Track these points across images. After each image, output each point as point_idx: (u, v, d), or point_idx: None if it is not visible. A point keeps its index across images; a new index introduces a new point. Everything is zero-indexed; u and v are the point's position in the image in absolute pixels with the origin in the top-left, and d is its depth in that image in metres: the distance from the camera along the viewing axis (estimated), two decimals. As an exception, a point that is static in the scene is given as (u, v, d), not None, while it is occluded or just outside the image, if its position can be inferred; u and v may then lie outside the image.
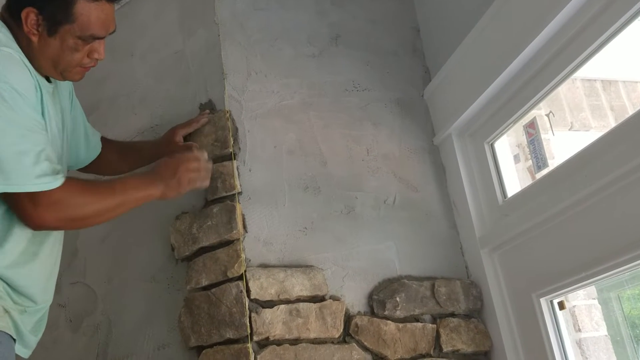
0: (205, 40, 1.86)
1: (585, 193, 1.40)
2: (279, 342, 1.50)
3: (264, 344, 1.49)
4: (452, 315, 1.70)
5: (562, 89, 2.15)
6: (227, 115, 1.71)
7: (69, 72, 1.31)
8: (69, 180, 1.20)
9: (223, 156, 1.68)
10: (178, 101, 1.87)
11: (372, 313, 1.63)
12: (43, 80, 1.27)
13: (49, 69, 1.28)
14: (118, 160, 1.67)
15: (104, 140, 1.65)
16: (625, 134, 1.32)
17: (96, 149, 1.61)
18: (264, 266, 1.58)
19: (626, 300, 1.90)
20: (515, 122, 1.71)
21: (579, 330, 1.76)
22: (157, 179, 1.38)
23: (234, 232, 1.57)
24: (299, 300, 1.56)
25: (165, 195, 1.39)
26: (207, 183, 1.50)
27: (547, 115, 1.78)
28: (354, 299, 1.64)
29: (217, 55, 1.80)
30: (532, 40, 1.51)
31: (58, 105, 1.36)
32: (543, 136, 1.73)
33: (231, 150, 1.67)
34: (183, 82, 1.88)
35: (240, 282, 1.52)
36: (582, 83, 2.20)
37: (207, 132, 1.73)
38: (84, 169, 1.63)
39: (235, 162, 1.66)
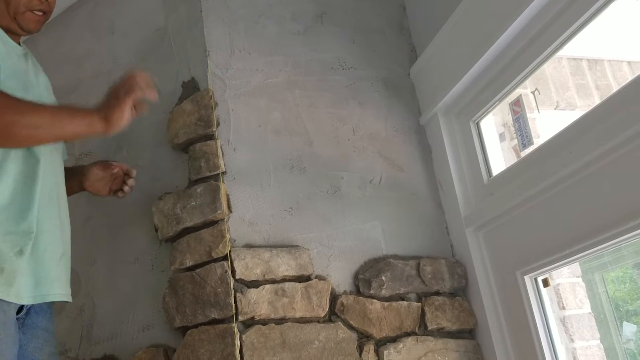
0: (187, 17, 1.82)
1: (569, 170, 1.40)
2: (264, 322, 1.50)
3: (249, 323, 1.49)
4: (437, 293, 1.70)
5: (548, 68, 2.15)
6: (210, 93, 1.69)
7: (21, 18, 1.30)
8: None
9: (206, 135, 1.66)
10: (160, 79, 1.83)
11: (358, 292, 1.63)
12: (8, 39, 1.30)
13: (4, 17, 1.28)
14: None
15: None
16: (609, 111, 1.32)
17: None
18: (249, 246, 1.56)
19: (610, 282, 1.92)
20: (500, 100, 1.71)
21: (563, 307, 1.77)
22: (98, 108, 1.26)
23: (219, 212, 1.55)
24: (284, 280, 1.55)
25: (109, 118, 1.23)
26: (151, 94, 1.31)
27: (533, 92, 1.78)
28: (340, 278, 1.63)
29: (199, 32, 1.76)
30: (517, 17, 1.50)
31: (32, 71, 1.36)
32: (529, 115, 1.72)
33: (215, 129, 1.65)
34: (165, 60, 1.85)
35: (225, 263, 1.51)
36: (568, 62, 2.20)
37: (190, 110, 1.70)
38: None
39: (219, 141, 1.64)
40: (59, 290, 1.25)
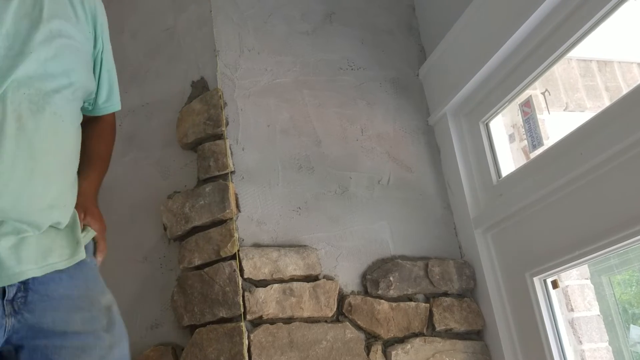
0: (197, 16, 1.83)
1: (579, 172, 1.39)
2: (272, 321, 1.50)
3: (257, 322, 1.49)
4: (445, 294, 1.70)
5: (558, 69, 2.14)
6: (220, 93, 1.69)
7: None
8: None
9: (215, 135, 1.66)
10: (169, 79, 1.84)
11: (366, 292, 1.63)
12: None
13: None
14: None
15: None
16: (619, 113, 1.31)
17: (95, 110, 1.26)
18: (257, 246, 1.57)
19: (617, 285, 1.91)
20: (510, 101, 1.70)
21: (572, 309, 1.77)
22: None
23: (227, 211, 1.55)
24: (292, 279, 1.56)
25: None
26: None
27: (543, 93, 1.77)
28: (348, 278, 1.63)
29: (209, 32, 1.77)
30: (527, 19, 1.50)
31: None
32: (538, 116, 1.72)
33: (223, 128, 1.65)
34: (174, 60, 1.85)
35: (233, 262, 1.51)
36: (577, 63, 2.19)
37: (199, 110, 1.70)
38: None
39: (227, 141, 1.64)
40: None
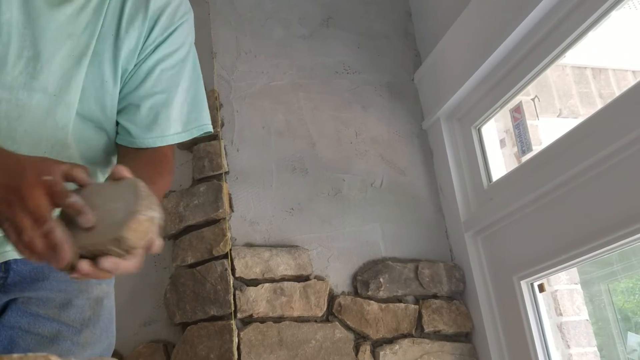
0: (195, 18, 1.84)
1: (567, 177, 1.41)
2: (262, 320, 1.52)
3: (247, 321, 1.51)
4: (435, 296, 1.72)
5: (552, 76, 2.16)
6: (216, 95, 1.72)
7: None
8: None
9: (210, 136, 1.69)
10: (167, 80, 1.87)
11: (356, 293, 1.65)
12: None
13: None
14: None
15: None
16: (608, 117, 1.33)
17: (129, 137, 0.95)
18: (250, 245, 1.59)
19: (620, 293, 1.92)
20: (502, 106, 1.72)
21: (560, 314, 1.78)
22: None
23: (220, 211, 1.58)
24: (283, 279, 1.58)
25: None
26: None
27: (533, 99, 1.79)
28: (338, 279, 1.66)
29: (206, 34, 1.80)
30: (519, 24, 1.52)
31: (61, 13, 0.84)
32: (530, 122, 1.74)
33: (219, 129, 1.68)
34: (173, 61, 1.88)
35: (225, 261, 1.54)
36: (572, 70, 2.21)
37: (195, 111, 1.73)
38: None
39: (222, 142, 1.67)
40: None
